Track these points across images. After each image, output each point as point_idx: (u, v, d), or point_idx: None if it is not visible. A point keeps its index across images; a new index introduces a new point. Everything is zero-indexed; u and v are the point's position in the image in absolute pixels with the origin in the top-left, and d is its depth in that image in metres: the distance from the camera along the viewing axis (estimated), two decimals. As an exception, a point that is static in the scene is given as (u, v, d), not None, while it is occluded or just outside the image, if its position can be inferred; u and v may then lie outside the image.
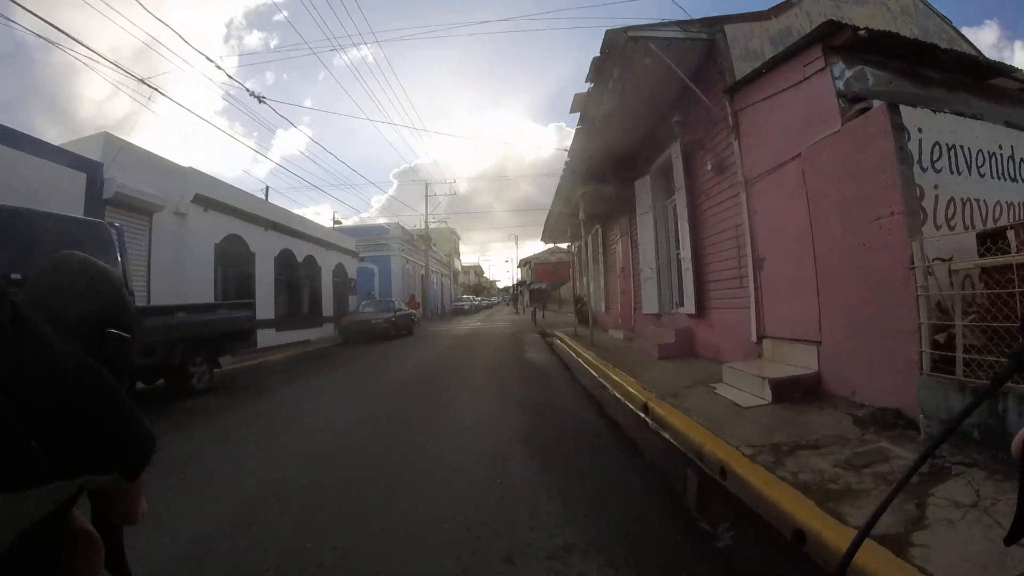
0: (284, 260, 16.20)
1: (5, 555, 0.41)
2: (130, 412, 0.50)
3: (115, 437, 0.47)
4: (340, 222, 25.60)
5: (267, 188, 23.71)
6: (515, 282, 64.01)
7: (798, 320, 5.04)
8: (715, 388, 5.22)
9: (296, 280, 16.91)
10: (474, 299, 46.12)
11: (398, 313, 16.32)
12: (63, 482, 0.42)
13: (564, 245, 29.12)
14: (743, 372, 5.03)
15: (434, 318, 30.80)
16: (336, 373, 9.09)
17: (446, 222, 33.58)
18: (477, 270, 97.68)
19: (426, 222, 31.84)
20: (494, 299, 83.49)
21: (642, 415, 4.87)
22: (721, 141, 6.57)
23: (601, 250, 14.45)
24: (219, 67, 16.71)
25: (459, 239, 59.98)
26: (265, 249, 15.12)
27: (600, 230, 14.42)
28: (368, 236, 29.02)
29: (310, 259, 17.85)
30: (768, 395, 4.44)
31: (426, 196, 32.59)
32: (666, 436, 4.15)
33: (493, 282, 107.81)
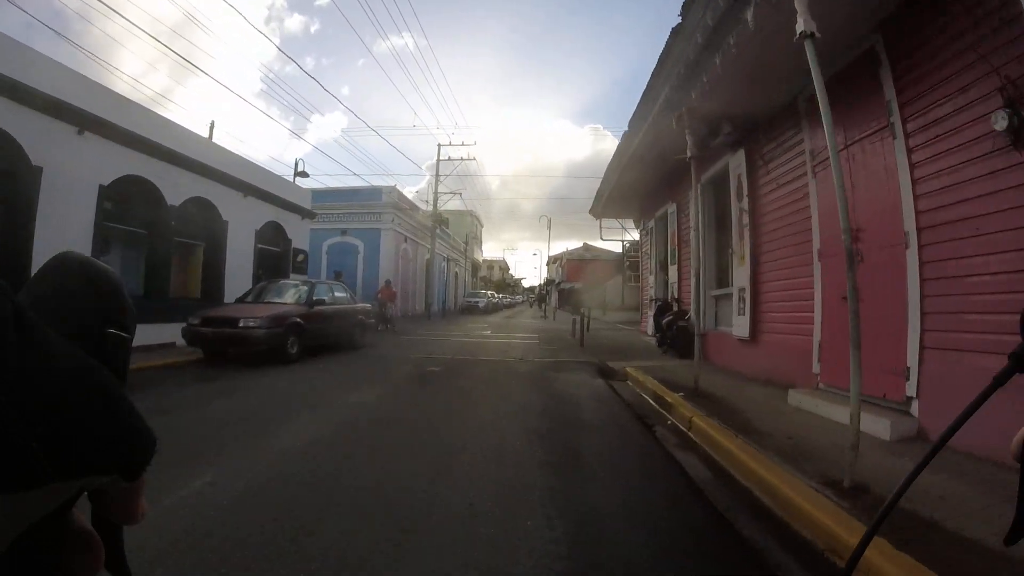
0: (130, 196, 8.88)
1: (5, 555, 0.40)
2: (131, 412, 0.47)
3: (116, 437, 0.45)
4: (307, 174, 18.32)
5: (212, 123, 16.31)
6: (543, 280, 56.29)
7: None
8: None
9: (163, 237, 9.60)
10: (492, 295, 38.19)
11: (316, 310, 8.54)
12: (63, 482, 0.40)
13: (620, 239, 21.10)
14: None
15: (434, 317, 23.31)
16: None
17: (460, 195, 25.97)
18: (502, 265, 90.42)
19: (435, 191, 24.41)
20: (518, 297, 76.07)
21: None
22: None
23: (746, 206, 6.65)
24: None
25: (482, 227, 52.58)
26: (74, 168, 7.83)
27: (737, 166, 6.66)
28: (353, 201, 21.84)
29: (202, 205, 10.50)
30: None
31: (437, 159, 25.18)
32: None
33: (518, 280, 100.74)
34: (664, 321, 8.42)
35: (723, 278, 8.04)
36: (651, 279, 11.82)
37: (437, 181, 24.79)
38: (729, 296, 7.48)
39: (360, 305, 10.40)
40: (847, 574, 0.60)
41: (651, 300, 11.71)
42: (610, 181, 11.39)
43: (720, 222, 8.22)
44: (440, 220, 24.64)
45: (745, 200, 6.65)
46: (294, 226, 13.88)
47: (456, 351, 9.96)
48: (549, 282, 46.34)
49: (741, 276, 6.71)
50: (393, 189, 22.32)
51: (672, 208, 9.91)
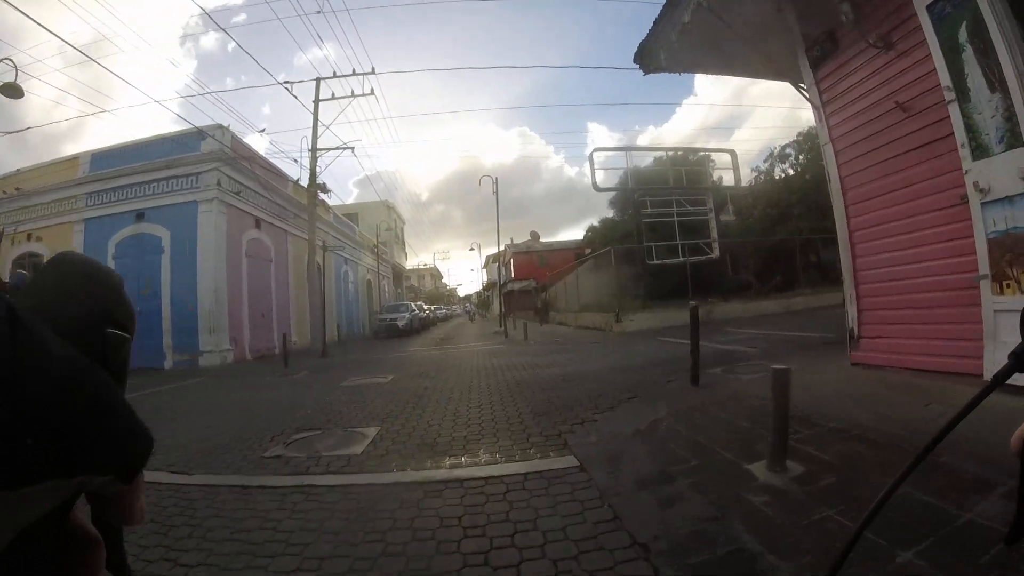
0: None
1: (5, 554, 0.39)
2: (127, 413, 0.47)
3: (112, 437, 0.45)
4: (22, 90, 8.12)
5: None
6: (482, 284, 47.55)
7: None
8: None
9: None
10: (419, 307, 28.14)
11: None
12: (60, 481, 0.41)
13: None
14: None
15: (300, 357, 13.62)
16: None
17: (353, 149, 16.50)
18: (433, 273, 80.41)
19: (313, 143, 15.00)
20: (454, 308, 66.94)
21: None
22: None
23: None
24: None
25: (403, 223, 42.86)
26: None
27: None
28: (153, 160, 12.07)
29: None
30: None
31: (316, 100, 15.78)
32: None
33: (453, 289, 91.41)
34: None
35: None
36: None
37: (316, 129, 15.37)
38: None
39: None
40: None
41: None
42: None
43: None
44: (322, 191, 15.19)
45: None
46: None
47: None
48: (491, 285, 37.66)
49: None
50: (224, 131, 12.57)
51: None
